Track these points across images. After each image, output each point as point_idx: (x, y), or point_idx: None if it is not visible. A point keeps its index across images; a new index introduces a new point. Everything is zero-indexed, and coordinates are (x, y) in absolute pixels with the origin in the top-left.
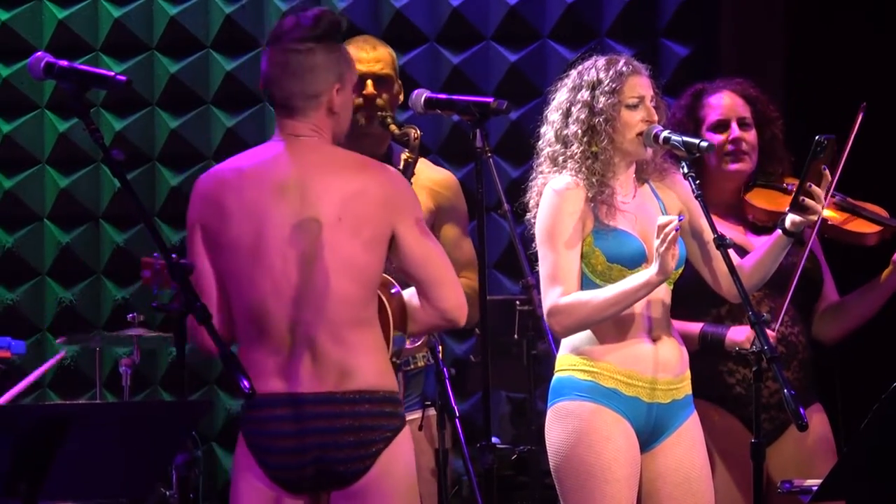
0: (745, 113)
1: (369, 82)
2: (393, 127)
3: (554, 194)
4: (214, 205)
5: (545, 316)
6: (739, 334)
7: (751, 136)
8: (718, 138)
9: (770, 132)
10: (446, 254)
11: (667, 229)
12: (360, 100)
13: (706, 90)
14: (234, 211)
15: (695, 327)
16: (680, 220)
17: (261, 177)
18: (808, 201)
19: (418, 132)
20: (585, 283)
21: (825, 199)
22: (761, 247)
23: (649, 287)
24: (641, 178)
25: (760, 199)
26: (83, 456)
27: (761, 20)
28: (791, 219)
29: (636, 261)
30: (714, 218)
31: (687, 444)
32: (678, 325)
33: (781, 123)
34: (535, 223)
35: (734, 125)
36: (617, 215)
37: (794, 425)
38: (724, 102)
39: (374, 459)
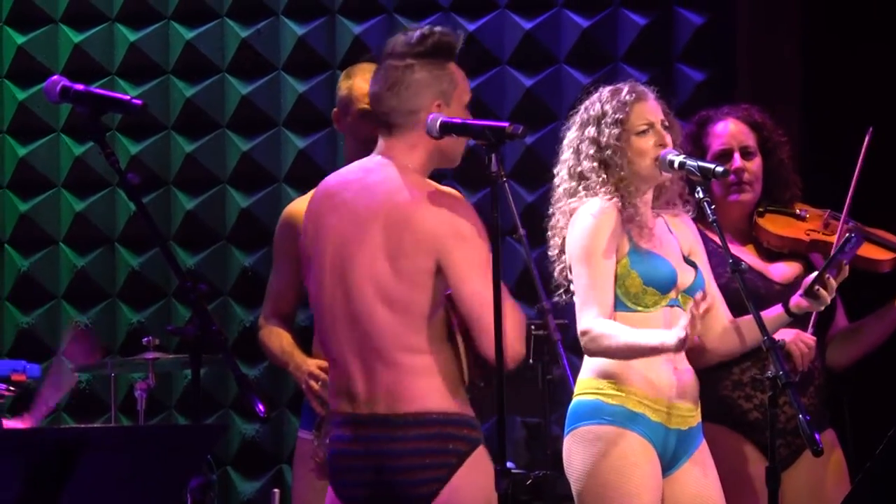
0: (749, 141)
1: None
2: None
3: (589, 215)
4: (308, 219)
5: (579, 333)
6: (785, 334)
7: (754, 164)
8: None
9: (777, 157)
10: None
11: (703, 305)
12: None
13: (711, 118)
14: (313, 229)
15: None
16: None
17: (333, 198)
18: (822, 292)
19: None
20: (617, 306)
21: (840, 228)
22: (767, 315)
23: (659, 352)
24: (655, 210)
25: (773, 225)
26: (98, 480)
27: (777, 44)
28: (797, 302)
29: (668, 285)
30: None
31: (702, 470)
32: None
33: (789, 148)
34: (554, 253)
35: (737, 155)
36: (651, 238)
37: (810, 451)
38: (726, 131)
39: (441, 484)
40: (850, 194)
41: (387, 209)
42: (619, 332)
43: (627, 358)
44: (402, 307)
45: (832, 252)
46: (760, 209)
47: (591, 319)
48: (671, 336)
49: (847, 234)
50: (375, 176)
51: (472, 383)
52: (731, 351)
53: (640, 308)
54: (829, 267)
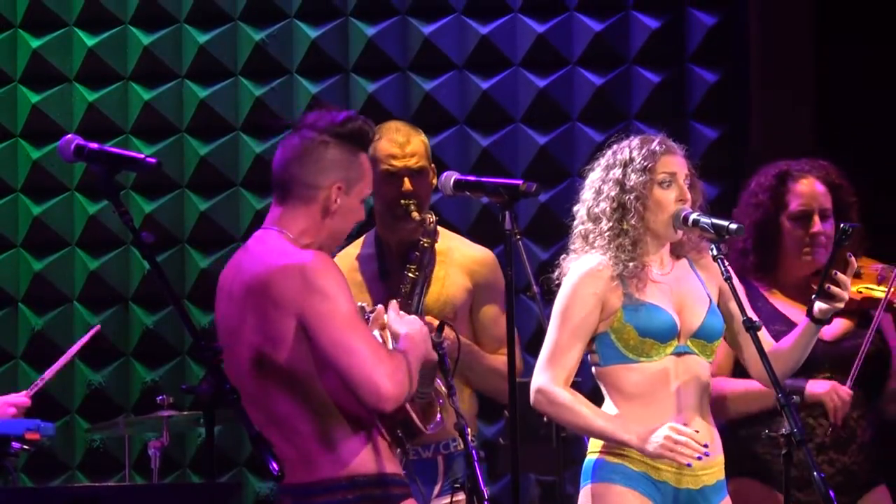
0: (827, 204)
1: (406, 179)
2: (414, 214)
3: (576, 276)
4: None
5: (531, 388)
6: (819, 387)
7: (830, 227)
8: (798, 229)
9: (849, 218)
10: (486, 330)
11: (679, 441)
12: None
13: (791, 174)
14: (216, 310)
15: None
16: (705, 453)
17: (222, 287)
18: (834, 289)
19: (433, 217)
20: (618, 359)
21: (893, 279)
22: (792, 334)
23: (623, 445)
24: (678, 254)
25: None
26: None
27: (791, 101)
28: (818, 306)
29: (667, 335)
30: (782, 300)
31: None
32: (753, 383)
33: (858, 208)
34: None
35: (816, 218)
36: (648, 289)
37: None
38: (808, 191)
39: None
40: None
41: (251, 284)
42: (584, 409)
43: (586, 435)
44: (287, 376)
45: (831, 252)
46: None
47: (547, 381)
48: (640, 443)
49: (841, 226)
50: (249, 252)
51: (392, 436)
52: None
53: (643, 359)
54: (832, 263)
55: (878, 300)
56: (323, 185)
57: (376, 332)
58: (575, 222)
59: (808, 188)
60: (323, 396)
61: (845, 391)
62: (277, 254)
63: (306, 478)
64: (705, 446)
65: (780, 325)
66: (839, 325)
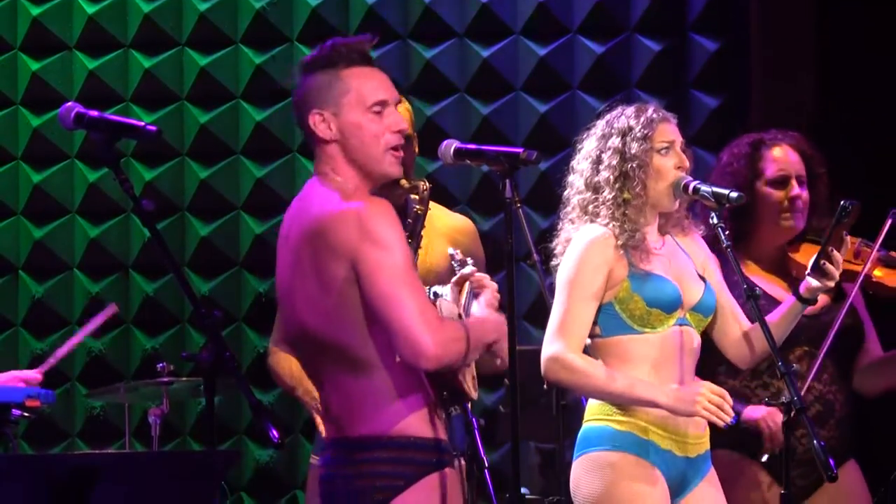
0: (802, 170)
1: None
2: (403, 181)
3: (582, 244)
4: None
5: (542, 358)
6: (756, 412)
7: (806, 193)
8: (776, 194)
9: (818, 188)
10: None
11: (714, 402)
12: None
13: (764, 142)
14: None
15: None
16: (734, 419)
17: (281, 234)
18: (828, 266)
19: (426, 185)
20: (622, 329)
21: (871, 255)
22: (777, 311)
23: (654, 406)
24: (663, 230)
25: (804, 256)
26: None
27: (791, 69)
28: (808, 283)
29: (673, 305)
30: (757, 273)
31: (709, 498)
32: None
33: (827, 180)
34: (558, 270)
35: (794, 182)
36: (652, 260)
37: (825, 477)
38: (784, 157)
39: None
40: (884, 228)
41: (307, 229)
42: (602, 372)
43: (608, 400)
44: (340, 323)
45: (829, 229)
46: (793, 240)
47: (560, 349)
48: (674, 401)
49: (841, 203)
50: (303, 200)
51: (437, 396)
52: (755, 357)
53: (647, 329)
54: (829, 241)
55: (855, 274)
56: (309, 121)
57: (446, 288)
58: (569, 192)
59: (784, 154)
60: (369, 350)
61: (778, 415)
62: (333, 199)
63: (356, 430)
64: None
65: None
66: (819, 299)
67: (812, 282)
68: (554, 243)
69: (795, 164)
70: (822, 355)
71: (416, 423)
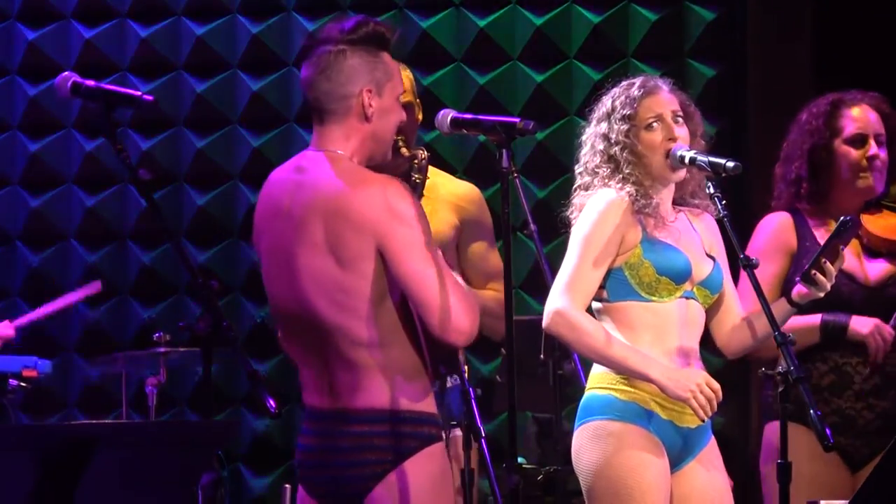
0: (881, 129)
1: None
2: (403, 150)
3: (601, 204)
4: (255, 225)
5: (546, 310)
6: (863, 325)
7: (885, 153)
8: (854, 153)
9: None
10: (474, 267)
11: (706, 395)
12: None
13: (844, 101)
14: (258, 236)
15: (814, 319)
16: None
17: (272, 202)
18: (820, 277)
19: (425, 154)
20: (630, 295)
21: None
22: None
23: (645, 379)
24: (676, 206)
25: (874, 224)
26: (109, 476)
27: (788, 37)
28: (798, 290)
29: (683, 276)
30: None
31: (710, 467)
32: (795, 319)
33: None
34: (573, 228)
35: (872, 141)
36: (665, 229)
37: (822, 446)
38: (863, 116)
39: (377, 480)
40: None
41: (322, 203)
42: (602, 335)
43: (604, 364)
44: (348, 301)
45: (826, 240)
46: (869, 203)
47: (571, 307)
48: (666, 380)
49: (841, 219)
50: (309, 172)
51: (435, 370)
52: (742, 347)
53: (654, 298)
54: (824, 252)
55: None
56: (353, 92)
57: None
58: (576, 169)
59: (863, 113)
60: (372, 328)
61: (889, 331)
62: (353, 176)
63: (351, 403)
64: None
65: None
66: (883, 270)
67: (801, 290)
68: (569, 211)
69: (874, 123)
70: (892, 324)
71: (416, 398)
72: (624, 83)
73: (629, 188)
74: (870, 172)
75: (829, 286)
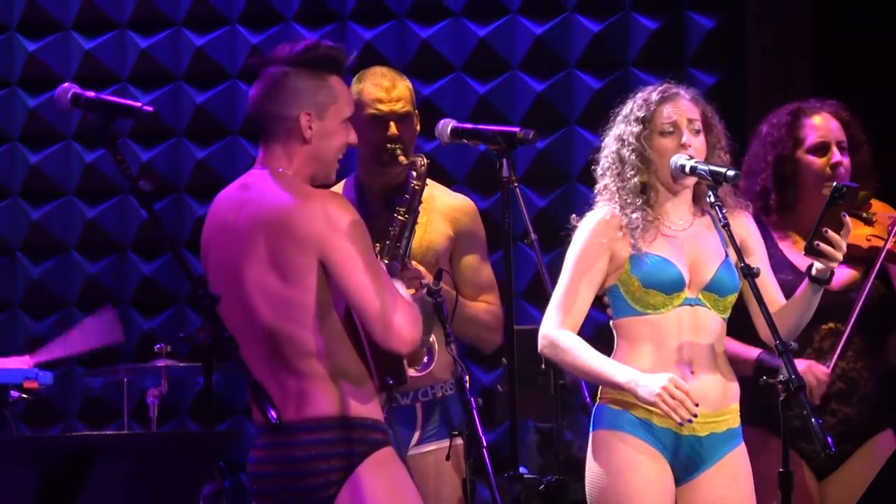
0: (843, 136)
1: (392, 124)
2: (402, 158)
3: (587, 225)
4: (202, 242)
5: (540, 333)
6: (798, 365)
7: (848, 160)
8: (818, 161)
9: (860, 156)
10: (467, 278)
11: (675, 397)
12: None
13: (804, 110)
14: (206, 254)
15: (752, 352)
16: (692, 416)
17: (219, 220)
18: (823, 246)
19: (424, 160)
20: (628, 311)
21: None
22: (796, 293)
23: (617, 388)
24: (702, 209)
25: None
26: (111, 487)
27: (787, 45)
28: (816, 266)
29: (673, 286)
30: (798, 249)
31: (728, 477)
32: (733, 346)
33: (869, 147)
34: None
35: (835, 149)
36: (657, 242)
37: (822, 454)
38: (824, 124)
39: (337, 488)
40: None
41: (265, 218)
42: (584, 351)
43: (586, 379)
44: (294, 313)
45: (821, 210)
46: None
47: (555, 328)
48: (637, 385)
49: (834, 184)
50: (253, 189)
51: (381, 382)
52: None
53: (649, 311)
54: (822, 221)
55: (887, 250)
56: (293, 115)
57: None
58: (596, 171)
59: (824, 122)
60: (318, 339)
61: (822, 371)
62: (292, 192)
63: (299, 415)
64: (696, 405)
65: (788, 275)
66: (847, 275)
67: (817, 264)
68: (572, 227)
69: (835, 130)
70: (847, 332)
71: (363, 405)
72: (649, 87)
73: (615, 205)
74: (834, 180)
75: (839, 255)
